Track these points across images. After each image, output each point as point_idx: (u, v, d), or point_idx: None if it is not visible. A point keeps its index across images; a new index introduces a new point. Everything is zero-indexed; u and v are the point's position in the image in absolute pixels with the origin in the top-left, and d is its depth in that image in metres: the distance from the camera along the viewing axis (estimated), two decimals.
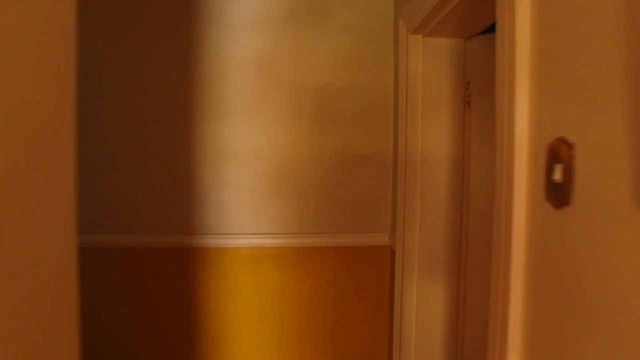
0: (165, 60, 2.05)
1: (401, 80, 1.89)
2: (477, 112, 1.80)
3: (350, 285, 2.16)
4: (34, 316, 0.54)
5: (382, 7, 2.11)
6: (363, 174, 2.14)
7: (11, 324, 0.49)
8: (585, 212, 0.77)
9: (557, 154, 0.84)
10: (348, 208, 2.14)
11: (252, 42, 2.07)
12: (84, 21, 1.99)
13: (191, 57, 2.06)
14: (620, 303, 0.69)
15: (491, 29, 1.68)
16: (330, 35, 2.10)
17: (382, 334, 2.19)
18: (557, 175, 0.82)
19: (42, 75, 0.56)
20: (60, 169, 0.60)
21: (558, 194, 0.84)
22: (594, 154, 0.75)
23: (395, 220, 1.98)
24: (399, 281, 1.92)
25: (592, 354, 0.75)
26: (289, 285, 2.14)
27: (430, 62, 1.83)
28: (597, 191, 0.74)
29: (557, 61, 0.85)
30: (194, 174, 2.09)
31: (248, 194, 2.10)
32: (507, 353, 0.96)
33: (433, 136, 1.81)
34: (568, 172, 0.81)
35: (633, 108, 0.66)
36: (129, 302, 2.09)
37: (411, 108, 1.82)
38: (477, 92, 1.80)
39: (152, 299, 2.10)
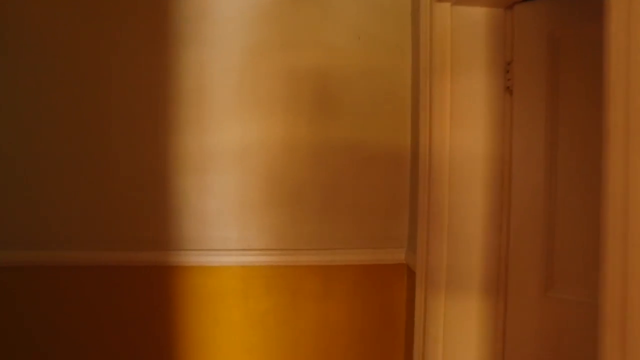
0: (131, 38, 1.68)
1: (423, 62, 1.51)
2: (521, 100, 1.43)
3: (358, 312, 1.79)
4: None
5: None
6: (374, 177, 1.76)
7: None
8: None
9: None
10: (355, 218, 1.77)
11: (240, 16, 1.70)
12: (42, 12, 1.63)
13: (164, 31, 1.69)
14: None
15: None
16: (335, 8, 1.73)
17: None
18: None
19: None
20: None
21: None
22: None
23: (415, 234, 1.61)
24: (420, 307, 1.55)
25: None
26: (285, 312, 1.76)
27: (461, 38, 1.45)
28: None
29: None
30: (170, 177, 1.72)
31: (235, 201, 1.73)
32: None
33: (465, 131, 1.43)
34: None
35: None
36: (83, 334, 1.72)
37: (437, 96, 1.44)
38: (521, 75, 1.43)
39: (116, 329, 1.73)
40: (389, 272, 1.79)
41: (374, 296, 1.80)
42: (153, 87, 1.69)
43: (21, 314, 1.70)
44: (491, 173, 1.45)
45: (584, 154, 1.33)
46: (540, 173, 1.39)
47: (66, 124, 1.69)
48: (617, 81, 0.65)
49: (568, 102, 1.36)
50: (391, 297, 1.80)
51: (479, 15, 1.45)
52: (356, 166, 1.75)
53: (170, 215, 1.73)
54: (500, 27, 1.46)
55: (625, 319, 0.62)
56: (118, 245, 1.72)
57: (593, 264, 1.09)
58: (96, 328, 1.72)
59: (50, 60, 1.67)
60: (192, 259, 1.73)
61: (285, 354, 1.77)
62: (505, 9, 1.45)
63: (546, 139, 1.38)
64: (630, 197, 0.62)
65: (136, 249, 1.73)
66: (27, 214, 1.69)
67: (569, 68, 1.36)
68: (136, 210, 1.72)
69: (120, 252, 1.72)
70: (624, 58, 0.63)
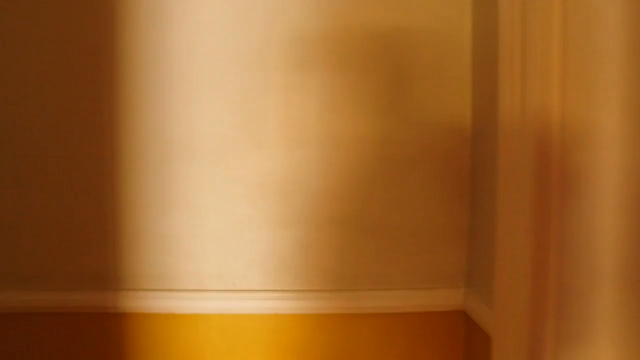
0: None
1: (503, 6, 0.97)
2: None
3: None
4: None
5: None
6: (416, 184, 1.22)
7: None
8: None
9: None
10: (390, 245, 1.22)
11: None
12: None
13: None
14: None
15: None
16: None
17: None
18: None
19: None
20: None
21: None
22: None
23: (483, 267, 1.05)
24: None
25: None
26: None
27: None
28: None
29: None
30: (119, 183, 1.19)
31: (217, 219, 1.19)
32: None
33: (589, 95, 0.88)
34: None
35: None
36: None
37: (536, 28, 0.88)
38: None
39: None
40: (436, 322, 1.23)
41: (418, 356, 1.23)
42: (93, 48, 1.18)
43: None
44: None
45: None
46: None
47: None
48: None
49: None
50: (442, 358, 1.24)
51: None
52: (391, 169, 1.21)
53: (121, 239, 1.19)
54: None
55: None
56: (47, 283, 1.19)
57: None
58: None
59: None
60: (155, 303, 1.19)
61: None
62: None
63: None
64: None
65: (72, 287, 1.19)
66: None
67: None
68: (71, 230, 1.19)
69: (50, 292, 1.19)
70: None
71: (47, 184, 1.19)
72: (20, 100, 1.18)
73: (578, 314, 0.86)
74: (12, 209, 1.19)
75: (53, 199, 1.18)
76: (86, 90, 1.18)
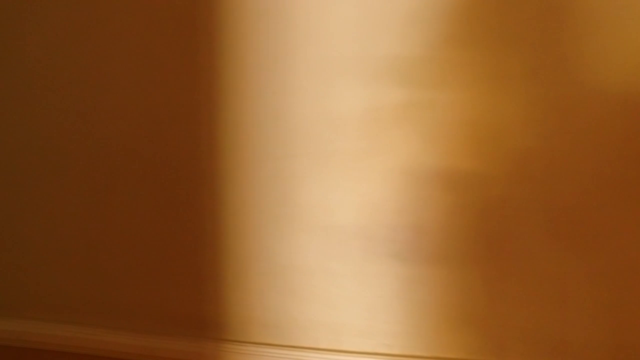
0: None
1: None
2: None
3: None
4: None
5: None
6: None
7: None
8: None
9: None
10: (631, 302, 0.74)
11: None
12: None
13: None
14: None
15: None
16: None
17: None
18: None
19: None
20: None
21: None
22: None
23: None
24: None
25: None
26: None
27: None
28: None
29: None
30: (221, 195, 0.82)
31: (362, 246, 0.79)
32: None
33: None
34: None
35: None
36: None
37: None
38: None
39: None
40: None
41: None
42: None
43: None
44: None
45: None
46: None
47: None
48: None
49: None
50: None
51: None
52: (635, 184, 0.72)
53: (224, 271, 0.83)
54: None
55: None
56: (126, 322, 0.87)
57: None
58: None
59: None
60: None
61: None
62: None
63: None
64: None
65: (159, 331, 0.86)
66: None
67: None
68: (159, 258, 0.85)
69: (131, 334, 0.87)
70: None
71: (129, 197, 0.85)
72: (99, 98, 0.85)
73: None
74: (84, 231, 0.88)
75: (135, 217, 0.85)
76: (180, 83, 0.82)
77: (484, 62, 0.71)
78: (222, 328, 0.84)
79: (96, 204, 0.89)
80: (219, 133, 0.82)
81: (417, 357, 0.77)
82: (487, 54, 0.70)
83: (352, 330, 0.80)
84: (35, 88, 0.90)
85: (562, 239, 0.71)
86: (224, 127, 0.81)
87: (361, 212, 0.77)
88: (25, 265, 0.94)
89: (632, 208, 0.68)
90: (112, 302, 0.90)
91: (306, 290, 0.81)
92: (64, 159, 0.90)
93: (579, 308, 0.71)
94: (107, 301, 0.90)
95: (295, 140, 0.79)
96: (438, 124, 0.73)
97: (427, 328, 0.77)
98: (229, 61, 0.80)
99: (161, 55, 0.83)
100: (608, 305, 0.70)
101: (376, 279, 0.77)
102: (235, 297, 0.83)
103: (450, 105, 0.72)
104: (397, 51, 0.73)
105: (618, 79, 0.67)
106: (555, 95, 0.69)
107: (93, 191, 0.89)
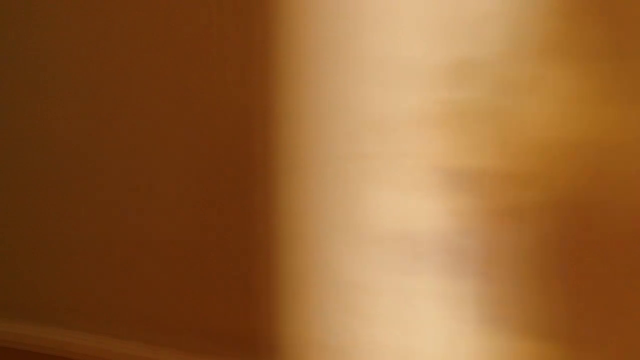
0: None
1: None
2: None
3: None
4: None
5: None
6: None
7: None
8: None
9: None
10: None
11: None
12: None
13: None
14: None
15: None
16: None
17: None
18: None
19: None
20: None
21: None
22: None
23: None
24: None
25: None
26: None
27: None
28: None
29: None
30: (277, 199, 0.72)
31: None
32: None
33: None
34: None
35: None
36: None
37: None
38: None
39: None
40: None
41: None
42: None
43: None
44: None
45: None
46: None
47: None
48: None
49: None
50: None
51: None
52: None
53: (280, 287, 0.73)
54: None
55: None
56: (170, 338, 0.78)
57: None
58: None
59: None
60: None
61: None
62: None
63: None
64: None
65: (209, 349, 0.77)
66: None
67: None
68: (205, 270, 0.76)
69: (177, 352, 0.78)
70: None
71: (170, 199, 0.77)
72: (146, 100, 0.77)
73: None
74: (122, 235, 0.80)
75: (176, 222, 0.76)
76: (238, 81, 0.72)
77: (559, 74, 0.58)
78: (275, 350, 0.74)
79: (133, 206, 0.81)
80: (274, 129, 0.72)
81: None
82: (565, 67, 0.58)
83: (425, 357, 0.69)
84: (91, 82, 0.82)
85: None
86: (280, 123, 0.71)
87: (442, 222, 0.65)
88: (60, 271, 0.87)
89: None
90: (150, 315, 0.81)
91: (373, 309, 0.70)
92: (99, 156, 0.82)
93: None
94: (145, 314, 0.82)
95: (363, 138, 0.68)
96: (510, 129, 0.61)
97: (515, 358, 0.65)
98: (286, 52, 0.70)
99: (210, 45, 0.74)
100: None
101: (458, 299, 0.66)
102: (291, 316, 0.73)
103: (523, 110, 0.60)
104: (465, 53, 0.61)
105: None
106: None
107: (130, 191, 0.81)
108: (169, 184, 0.78)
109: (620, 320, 0.60)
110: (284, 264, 0.72)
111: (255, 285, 0.74)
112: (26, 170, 0.88)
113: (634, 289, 0.59)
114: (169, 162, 0.78)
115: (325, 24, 0.67)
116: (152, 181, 0.79)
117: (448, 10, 0.61)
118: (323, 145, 0.70)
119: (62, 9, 0.81)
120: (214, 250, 0.77)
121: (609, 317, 0.61)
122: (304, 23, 0.69)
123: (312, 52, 0.69)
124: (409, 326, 0.68)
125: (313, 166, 0.70)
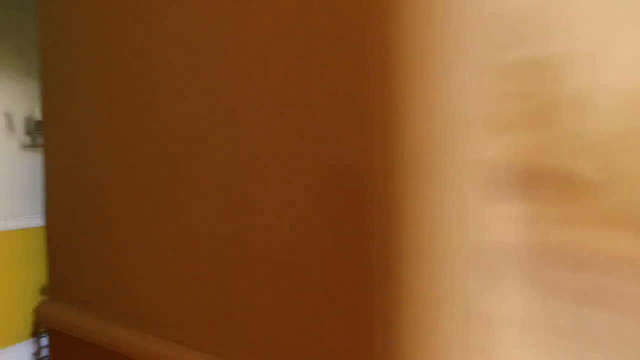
0: None
1: None
2: None
3: None
4: None
5: None
6: None
7: None
8: None
9: None
10: None
11: None
12: None
13: None
14: None
15: None
16: None
17: None
18: None
19: None
20: None
21: None
22: None
23: None
24: None
25: None
26: None
27: None
28: None
29: None
30: (394, 207, 0.63)
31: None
32: None
33: None
34: None
35: None
36: None
37: None
38: None
39: None
40: None
41: None
42: None
43: None
44: None
45: None
46: None
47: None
48: None
49: None
50: None
51: None
52: None
53: (400, 313, 0.64)
54: None
55: None
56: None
57: None
58: None
59: None
60: None
61: None
62: None
63: None
64: None
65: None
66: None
67: None
68: (309, 294, 0.69)
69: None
70: None
71: (274, 212, 0.70)
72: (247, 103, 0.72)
73: None
74: (217, 252, 0.75)
75: (281, 236, 0.69)
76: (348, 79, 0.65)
77: None
78: None
79: (231, 216, 0.76)
80: (397, 134, 0.63)
81: None
82: None
83: None
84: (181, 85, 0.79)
85: None
86: (403, 127, 0.62)
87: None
88: (172, 291, 0.84)
89: None
90: (250, 337, 0.75)
91: (513, 348, 0.58)
92: (195, 159, 0.79)
93: None
94: (245, 336, 0.76)
95: (479, 140, 0.57)
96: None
97: None
98: (402, 57, 0.61)
99: (327, 50, 0.67)
100: None
101: (615, 339, 0.52)
102: (413, 353, 0.63)
103: None
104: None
105: None
106: None
107: (229, 202, 0.76)
108: (274, 197, 0.72)
109: None
110: (407, 292, 0.63)
111: (371, 316, 0.65)
112: (133, 176, 0.87)
113: None
114: (275, 173, 0.72)
115: (444, 29, 0.58)
116: (258, 191, 0.73)
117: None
118: (455, 150, 0.59)
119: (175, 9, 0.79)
120: (325, 271, 0.69)
121: None
122: (425, 31, 0.59)
123: (432, 57, 0.59)
124: None
125: (443, 175, 0.60)
